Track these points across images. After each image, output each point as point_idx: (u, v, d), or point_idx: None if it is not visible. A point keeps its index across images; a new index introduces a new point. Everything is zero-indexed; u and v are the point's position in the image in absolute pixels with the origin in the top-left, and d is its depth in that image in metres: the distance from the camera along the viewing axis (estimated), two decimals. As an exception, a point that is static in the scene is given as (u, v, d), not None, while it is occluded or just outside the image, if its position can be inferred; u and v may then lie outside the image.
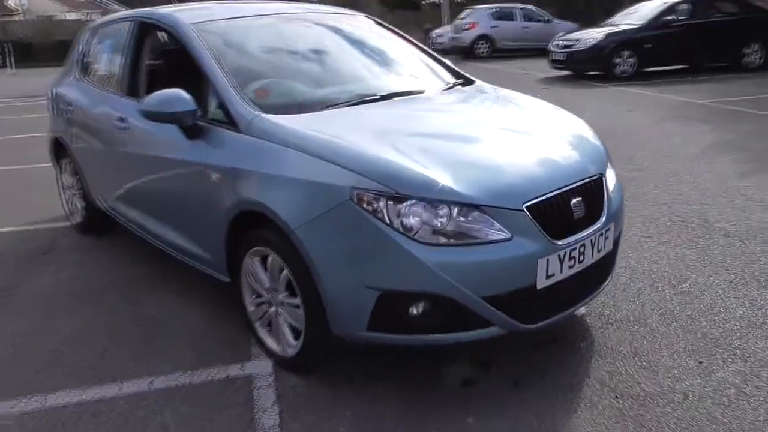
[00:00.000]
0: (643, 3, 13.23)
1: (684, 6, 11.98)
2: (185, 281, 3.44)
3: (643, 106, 8.85)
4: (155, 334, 2.96)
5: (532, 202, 2.26)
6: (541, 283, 2.28)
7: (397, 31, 3.76)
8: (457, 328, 2.24)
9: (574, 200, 2.39)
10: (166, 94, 2.76)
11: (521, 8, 18.64)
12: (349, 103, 2.82)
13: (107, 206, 3.92)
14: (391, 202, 2.16)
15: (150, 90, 3.36)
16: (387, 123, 2.65)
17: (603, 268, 2.62)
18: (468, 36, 18.29)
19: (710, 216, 4.21)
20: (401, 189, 2.16)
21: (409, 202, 2.16)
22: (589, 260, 2.45)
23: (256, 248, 2.57)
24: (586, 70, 12.17)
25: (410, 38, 3.72)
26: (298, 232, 2.28)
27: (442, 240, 2.16)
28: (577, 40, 12.14)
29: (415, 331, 2.25)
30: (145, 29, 3.52)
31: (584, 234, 2.40)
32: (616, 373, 2.47)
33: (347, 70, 3.21)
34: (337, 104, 2.80)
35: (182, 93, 2.74)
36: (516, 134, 2.69)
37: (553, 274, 2.31)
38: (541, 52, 15.82)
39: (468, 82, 3.39)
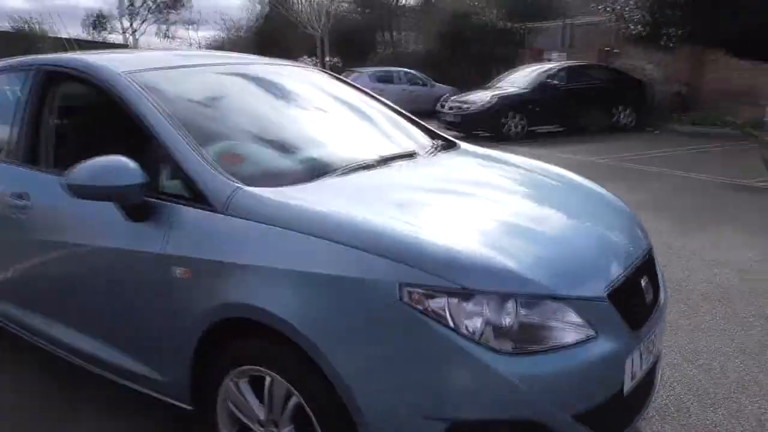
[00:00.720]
0: (520, 68, 13.97)
1: (561, 72, 12.75)
2: (113, 407, 2.60)
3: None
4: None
5: (612, 287, 1.84)
6: (627, 386, 1.85)
7: (357, 85, 3.30)
8: (542, 459, 1.72)
9: (642, 280, 2.01)
10: (104, 162, 2.05)
11: (404, 72, 19.08)
12: (344, 170, 2.27)
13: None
14: (454, 300, 1.63)
15: (59, 157, 2.61)
16: (408, 195, 2.13)
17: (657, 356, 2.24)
18: (352, 98, 18.30)
19: (677, 278, 4.07)
20: (468, 282, 1.64)
21: (477, 299, 1.64)
22: (656, 349, 2.07)
23: (244, 368, 1.90)
24: (478, 130, 12.43)
25: (371, 93, 3.26)
26: (323, 348, 1.67)
27: (511, 345, 1.65)
28: (468, 102, 12.43)
29: (493, 470, 1.69)
30: (50, 80, 2.74)
31: (654, 319, 2.02)
32: (698, 485, 2.06)
33: (324, 131, 2.67)
34: (329, 172, 2.24)
35: (125, 160, 2.05)
36: (555, 205, 2.27)
37: (635, 373, 1.89)
38: (423, 115, 16.12)
39: (449, 143, 2.97)
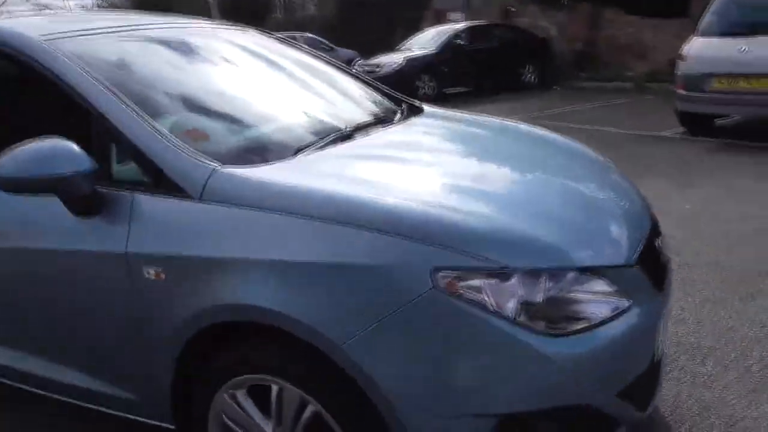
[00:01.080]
0: (427, 30, 13.88)
1: (468, 33, 12.79)
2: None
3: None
4: None
5: (638, 251, 1.74)
6: (657, 351, 1.76)
7: (310, 49, 2.99)
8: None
9: (656, 241, 1.93)
10: (40, 147, 1.68)
11: (303, 37, 18.45)
12: (324, 143, 1.99)
13: None
14: (493, 281, 1.45)
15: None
16: (409, 166, 1.91)
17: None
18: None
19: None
20: (507, 259, 1.47)
21: (517, 278, 1.47)
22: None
23: (243, 377, 1.64)
24: (390, 94, 12.25)
25: (326, 56, 2.97)
26: (348, 349, 1.44)
27: (552, 325, 1.50)
28: (378, 65, 12.19)
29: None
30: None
31: (669, 278, 1.95)
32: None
33: (290, 100, 2.36)
34: (308, 146, 1.96)
35: (66, 143, 1.69)
36: (559, 171, 2.12)
37: (662, 337, 1.82)
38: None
39: (416, 107, 2.75)
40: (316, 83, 2.59)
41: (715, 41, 6.78)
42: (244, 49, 2.59)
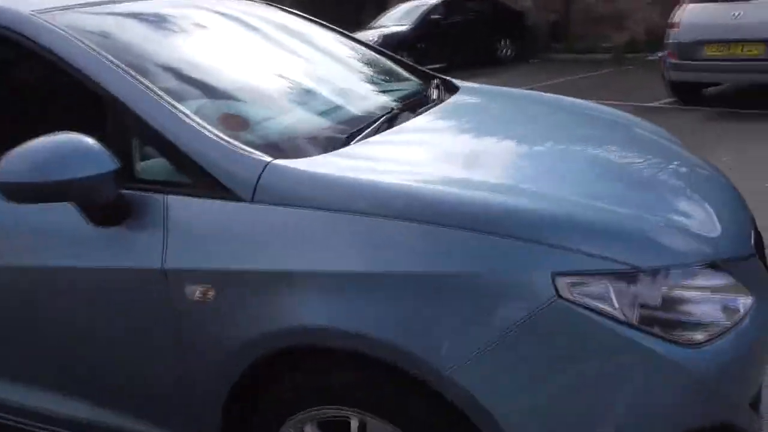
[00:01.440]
0: (400, 5, 13.50)
1: (443, 7, 12.46)
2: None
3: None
4: None
5: (751, 239, 1.54)
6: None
7: (327, 24, 2.68)
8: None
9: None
10: (51, 146, 1.37)
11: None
12: (375, 128, 1.71)
13: None
14: (619, 285, 1.23)
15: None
16: (485, 152, 1.66)
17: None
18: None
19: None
20: (637, 259, 1.25)
21: (647, 279, 1.25)
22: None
23: (314, 409, 1.39)
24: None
25: (340, 30, 2.67)
26: (457, 377, 1.20)
27: (686, 332, 1.28)
28: (353, 43, 11.81)
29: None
30: None
31: None
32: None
33: (324, 80, 2.06)
34: (358, 132, 1.67)
35: (83, 139, 1.39)
36: (643, 152, 1.89)
37: None
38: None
39: (449, 84, 2.48)
40: (346, 61, 2.31)
41: (708, 7, 6.63)
42: (263, 25, 2.26)
